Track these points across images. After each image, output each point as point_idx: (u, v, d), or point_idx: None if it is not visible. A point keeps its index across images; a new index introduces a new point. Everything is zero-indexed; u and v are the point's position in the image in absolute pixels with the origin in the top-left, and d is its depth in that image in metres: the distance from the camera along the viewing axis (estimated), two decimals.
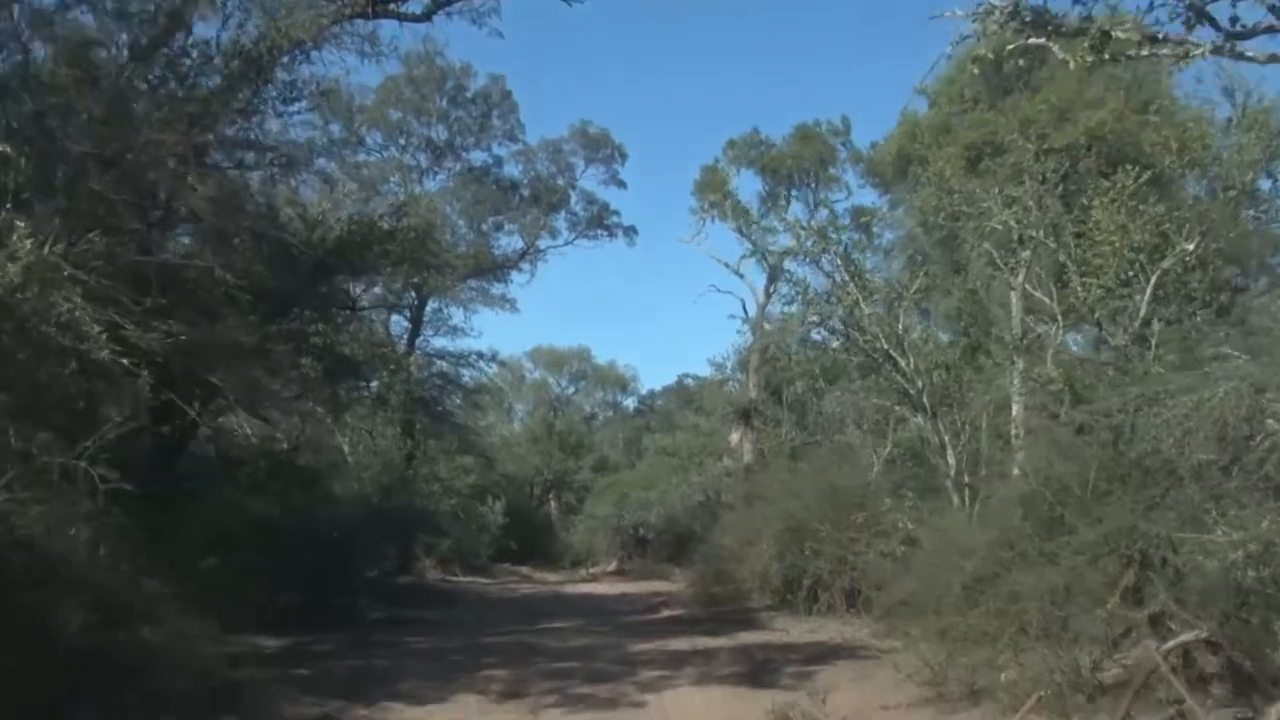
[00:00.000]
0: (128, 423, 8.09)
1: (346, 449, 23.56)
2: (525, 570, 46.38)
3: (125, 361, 7.79)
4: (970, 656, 8.43)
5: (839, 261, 15.74)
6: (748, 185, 34.89)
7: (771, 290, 32.35)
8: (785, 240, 29.61)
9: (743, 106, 72.53)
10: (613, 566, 31.23)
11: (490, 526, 43.91)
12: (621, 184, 35.16)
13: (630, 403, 70.58)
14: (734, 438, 37.59)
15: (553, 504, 58.84)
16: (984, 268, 15.78)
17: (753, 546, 15.68)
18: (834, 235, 16.51)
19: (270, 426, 15.40)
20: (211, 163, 12.52)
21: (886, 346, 14.94)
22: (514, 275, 33.26)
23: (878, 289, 15.92)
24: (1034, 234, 14.10)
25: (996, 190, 14.74)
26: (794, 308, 17.61)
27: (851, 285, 15.43)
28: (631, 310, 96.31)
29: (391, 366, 21.21)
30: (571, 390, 67.69)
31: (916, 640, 9.36)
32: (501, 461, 55.78)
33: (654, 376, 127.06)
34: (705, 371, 50.82)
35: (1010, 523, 9.21)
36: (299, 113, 13.45)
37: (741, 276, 32.70)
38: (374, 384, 22.11)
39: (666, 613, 17.03)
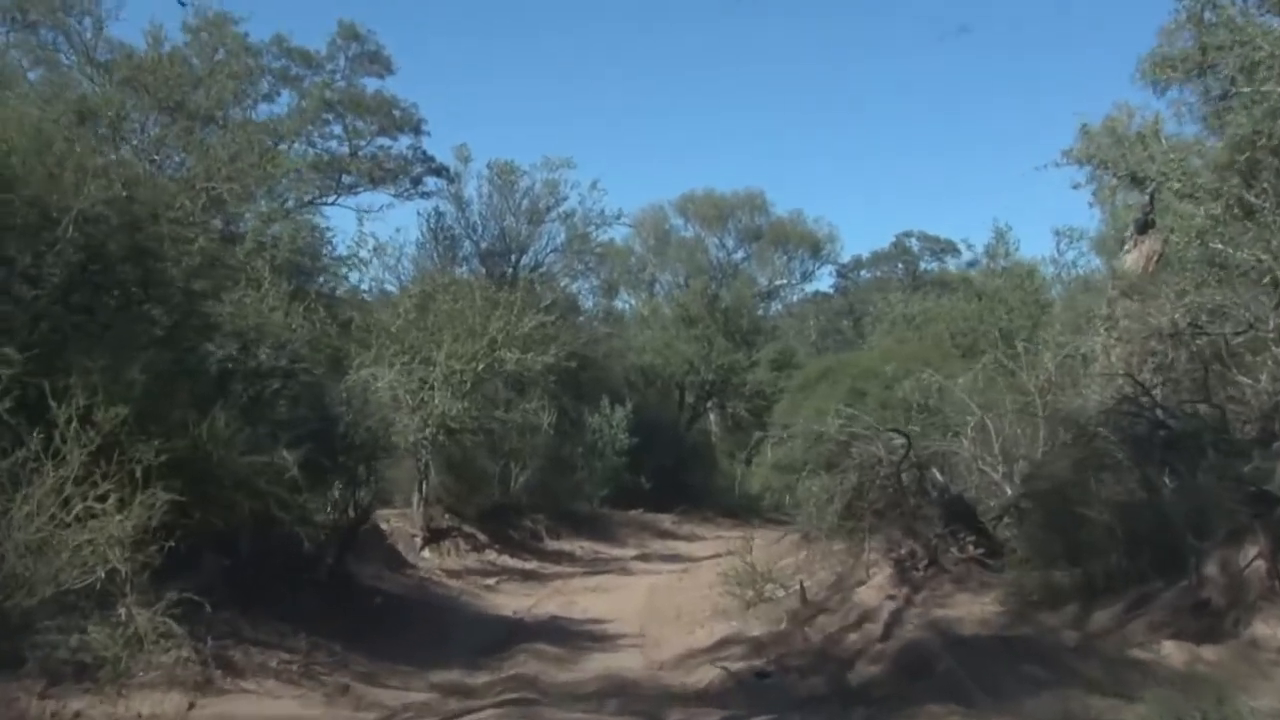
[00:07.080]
0: None
1: None
2: (667, 524, 26.92)
3: None
4: None
5: None
6: None
7: None
8: None
9: None
10: (886, 581, 9.39)
11: (607, 450, 26.84)
12: None
13: (827, 274, 49.48)
14: (1132, 257, 16.76)
15: (712, 418, 39.04)
16: None
17: None
18: None
19: None
20: None
21: None
22: None
23: None
24: None
25: None
26: None
27: None
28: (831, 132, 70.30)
29: None
30: (739, 255, 47.01)
31: None
32: (637, 350, 36.34)
33: (860, 239, 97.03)
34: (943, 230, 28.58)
35: None
36: None
37: None
38: None
39: None
